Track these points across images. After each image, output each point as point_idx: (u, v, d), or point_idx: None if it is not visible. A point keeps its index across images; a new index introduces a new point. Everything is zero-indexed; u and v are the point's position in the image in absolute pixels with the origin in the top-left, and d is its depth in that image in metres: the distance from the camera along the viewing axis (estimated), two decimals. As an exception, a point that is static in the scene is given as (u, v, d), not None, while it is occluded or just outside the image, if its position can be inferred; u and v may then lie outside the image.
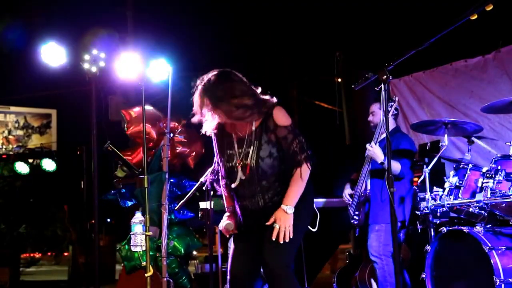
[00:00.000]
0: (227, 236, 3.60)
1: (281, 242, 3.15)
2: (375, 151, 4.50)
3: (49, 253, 14.88)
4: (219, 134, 3.38)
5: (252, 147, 3.24)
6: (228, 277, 3.34)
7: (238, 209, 3.38)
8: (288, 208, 3.17)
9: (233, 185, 3.31)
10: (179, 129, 6.10)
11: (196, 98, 3.23)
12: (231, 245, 3.47)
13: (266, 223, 3.19)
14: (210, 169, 3.73)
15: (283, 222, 3.16)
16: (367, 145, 4.56)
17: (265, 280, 4.80)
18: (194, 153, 6.17)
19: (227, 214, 3.47)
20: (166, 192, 4.30)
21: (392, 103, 4.46)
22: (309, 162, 3.22)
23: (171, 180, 5.79)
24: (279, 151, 3.24)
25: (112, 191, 5.95)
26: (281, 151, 3.24)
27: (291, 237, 3.17)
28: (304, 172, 3.21)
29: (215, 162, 3.49)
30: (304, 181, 3.22)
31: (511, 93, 5.28)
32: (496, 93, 5.83)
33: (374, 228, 4.63)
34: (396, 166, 4.51)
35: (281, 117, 3.25)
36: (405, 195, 4.68)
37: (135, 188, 5.78)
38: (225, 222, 3.43)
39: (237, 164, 3.26)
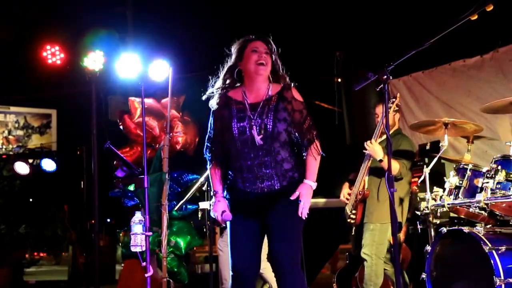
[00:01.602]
0: (224, 225, 3.52)
1: (288, 236, 3.16)
2: (374, 148, 4.50)
3: (46, 254, 14.87)
4: (225, 101, 3.32)
5: (267, 108, 3.22)
6: (232, 273, 3.27)
7: (235, 191, 3.27)
8: (312, 183, 3.20)
9: (245, 149, 3.17)
10: (178, 125, 6.11)
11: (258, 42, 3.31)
12: (227, 239, 3.37)
13: (291, 197, 3.13)
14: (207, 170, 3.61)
15: (307, 199, 3.17)
16: (367, 142, 4.55)
17: (265, 281, 4.82)
18: (192, 144, 6.19)
19: (217, 200, 3.32)
20: (166, 192, 4.31)
21: (394, 99, 4.46)
22: (319, 140, 3.27)
23: (173, 175, 5.80)
24: (292, 122, 3.23)
25: (117, 189, 5.95)
26: (293, 123, 3.23)
27: (299, 233, 3.21)
28: (319, 147, 3.25)
29: (211, 139, 3.35)
30: (319, 158, 3.26)
31: (508, 92, 5.30)
32: (493, 92, 5.86)
33: (369, 227, 4.64)
34: (394, 166, 4.50)
35: (298, 94, 3.31)
36: (402, 196, 4.68)
37: (135, 188, 5.79)
38: (220, 213, 3.28)
39: (252, 124, 3.19)
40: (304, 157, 3.28)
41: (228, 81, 3.36)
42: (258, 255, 3.31)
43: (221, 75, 3.39)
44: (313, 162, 3.23)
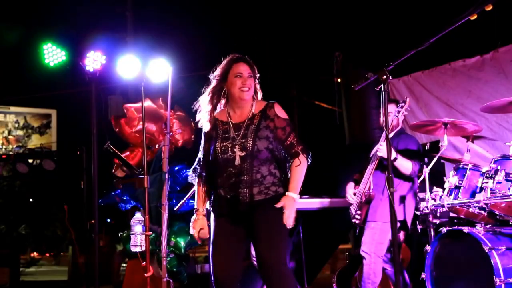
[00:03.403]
0: (199, 243, 3.59)
1: (276, 240, 3.20)
2: (385, 148, 4.50)
3: (47, 254, 14.88)
4: (213, 123, 3.44)
5: (250, 128, 3.32)
6: (212, 279, 3.30)
7: (218, 202, 3.35)
8: (295, 195, 3.26)
9: (229, 168, 3.27)
10: (174, 123, 6.10)
11: (243, 64, 3.40)
12: (211, 243, 3.42)
13: (276, 205, 3.20)
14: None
15: (291, 209, 3.23)
16: (377, 146, 4.54)
17: (263, 281, 4.81)
18: (189, 137, 6.21)
19: (197, 217, 3.43)
20: (166, 192, 4.30)
21: (403, 104, 4.48)
22: (306, 154, 3.34)
23: (173, 169, 5.81)
24: (274, 139, 3.32)
25: (111, 194, 5.93)
26: (276, 140, 3.32)
27: (285, 235, 3.25)
28: (303, 162, 3.32)
29: (198, 158, 3.50)
30: (303, 171, 3.33)
31: (508, 92, 5.30)
32: (494, 92, 5.85)
33: (370, 225, 4.65)
34: (407, 165, 4.53)
35: (281, 111, 3.40)
36: (406, 195, 4.69)
37: (135, 188, 5.78)
38: (198, 230, 3.40)
39: (235, 144, 3.29)
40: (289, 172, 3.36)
41: (215, 101, 3.46)
42: (240, 264, 3.35)
43: (206, 96, 3.47)
44: (297, 176, 3.31)
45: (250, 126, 3.33)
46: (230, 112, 3.44)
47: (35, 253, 14.46)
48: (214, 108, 3.46)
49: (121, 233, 6.07)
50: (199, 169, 3.47)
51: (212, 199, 3.42)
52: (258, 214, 3.25)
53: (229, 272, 3.29)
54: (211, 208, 3.42)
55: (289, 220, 3.22)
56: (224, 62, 3.44)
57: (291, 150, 3.33)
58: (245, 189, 3.25)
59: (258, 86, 3.47)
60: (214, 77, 3.45)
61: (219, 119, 3.44)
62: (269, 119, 3.34)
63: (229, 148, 3.30)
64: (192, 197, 5.54)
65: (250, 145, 3.26)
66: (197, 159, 3.51)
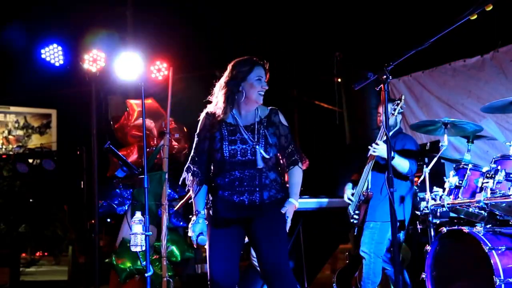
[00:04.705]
0: (195, 246, 3.51)
1: (279, 239, 3.27)
2: (382, 148, 4.50)
3: (39, 253, 14.86)
4: (218, 124, 3.36)
5: (258, 134, 3.34)
6: (209, 283, 3.28)
7: (220, 204, 3.29)
8: (296, 203, 3.39)
9: (259, 165, 3.28)
10: (174, 127, 6.09)
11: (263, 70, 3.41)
12: (208, 247, 3.37)
13: (282, 210, 3.30)
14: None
15: (291, 215, 3.37)
16: (373, 145, 4.54)
17: (265, 280, 4.82)
18: (185, 149, 6.19)
19: (198, 221, 3.35)
20: (166, 192, 4.31)
21: (399, 101, 4.49)
22: (303, 162, 3.45)
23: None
24: (276, 145, 3.38)
25: (104, 203, 5.86)
26: (278, 147, 3.39)
27: (286, 236, 3.35)
28: (301, 170, 3.46)
29: (193, 157, 3.39)
30: (301, 178, 3.46)
31: (508, 92, 5.31)
32: (494, 92, 5.86)
33: (369, 225, 4.65)
34: (404, 164, 4.53)
35: (284, 118, 3.47)
36: (405, 195, 4.69)
37: (134, 188, 5.78)
38: (197, 234, 3.33)
39: (254, 147, 3.29)
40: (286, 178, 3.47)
41: (230, 99, 3.37)
42: (237, 268, 3.36)
43: (222, 91, 3.38)
44: (297, 182, 3.43)
45: (258, 130, 3.34)
46: (235, 113, 3.38)
47: (25, 254, 14.42)
48: (229, 105, 3.34)
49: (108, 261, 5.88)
50: (195, 169, 3.37)
51: (210, 202, 3.38)
52: (261, 216, 3.29)
53: (229, 278, 3.29)
54: (211, 208, 3.37)
55: (287, 226, 3.35)
56: (243, 61, 3.39)
57: (291, 158, 3.43)
58: (256, 194, 3.28)
59: None
60: (231, 75, 3.36)
61: (224, 119, 3.36)
62: (275, 126, 3.40)
63: (238, 152, 3.29)
64: (184, 219, 5.54)
65: (262, 152, 3.30)
66: (190, 158, 3.42)
